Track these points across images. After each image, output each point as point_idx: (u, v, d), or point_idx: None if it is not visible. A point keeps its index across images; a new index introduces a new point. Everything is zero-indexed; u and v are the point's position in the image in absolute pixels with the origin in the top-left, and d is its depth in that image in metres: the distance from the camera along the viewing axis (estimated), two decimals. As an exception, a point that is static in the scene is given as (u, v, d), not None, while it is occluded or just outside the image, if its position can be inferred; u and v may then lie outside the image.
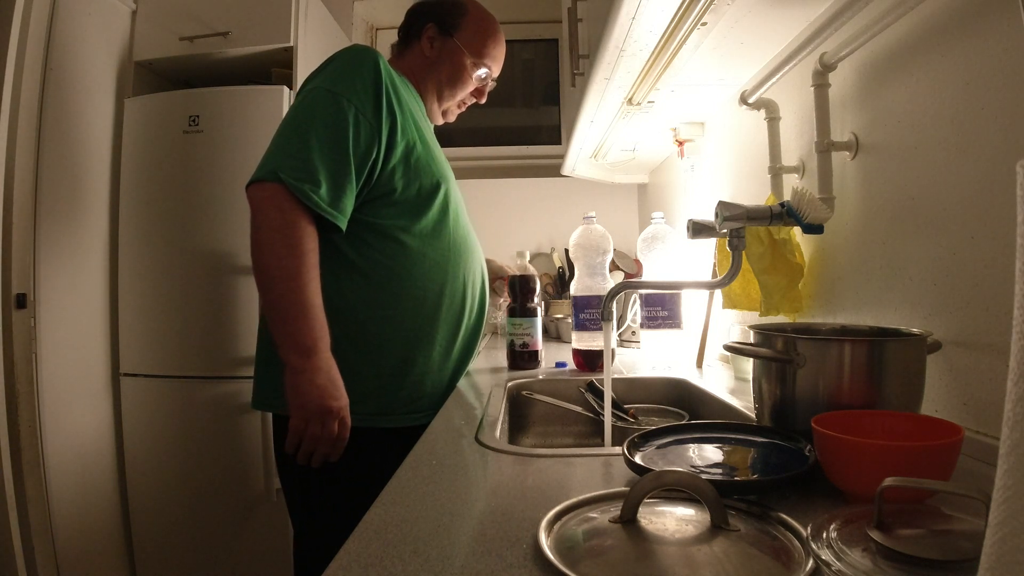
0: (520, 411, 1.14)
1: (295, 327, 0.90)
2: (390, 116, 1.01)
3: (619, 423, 1.01)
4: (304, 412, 0.90)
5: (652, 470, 0.54)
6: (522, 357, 1.29)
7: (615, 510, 0.47)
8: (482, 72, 1.20)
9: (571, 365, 1.31)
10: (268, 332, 1.05)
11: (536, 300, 1.30)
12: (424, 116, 1.15)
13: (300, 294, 0.89)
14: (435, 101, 1.19)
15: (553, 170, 2.30)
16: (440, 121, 1.24)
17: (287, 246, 0.90)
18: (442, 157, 1.15)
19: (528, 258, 1.36)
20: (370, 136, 0.98)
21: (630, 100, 1.30)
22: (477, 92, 1.23)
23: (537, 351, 1.31)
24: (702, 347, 1.31)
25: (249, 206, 0.93)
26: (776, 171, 1.06)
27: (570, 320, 1.34)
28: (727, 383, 1.09)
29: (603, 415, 0.90)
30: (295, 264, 0.89)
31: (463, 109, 1.27)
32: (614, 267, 2.08)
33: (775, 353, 0.64)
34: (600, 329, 1.19)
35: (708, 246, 1.43)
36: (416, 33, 1.18)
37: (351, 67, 1.01)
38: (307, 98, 0.99)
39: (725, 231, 0.84)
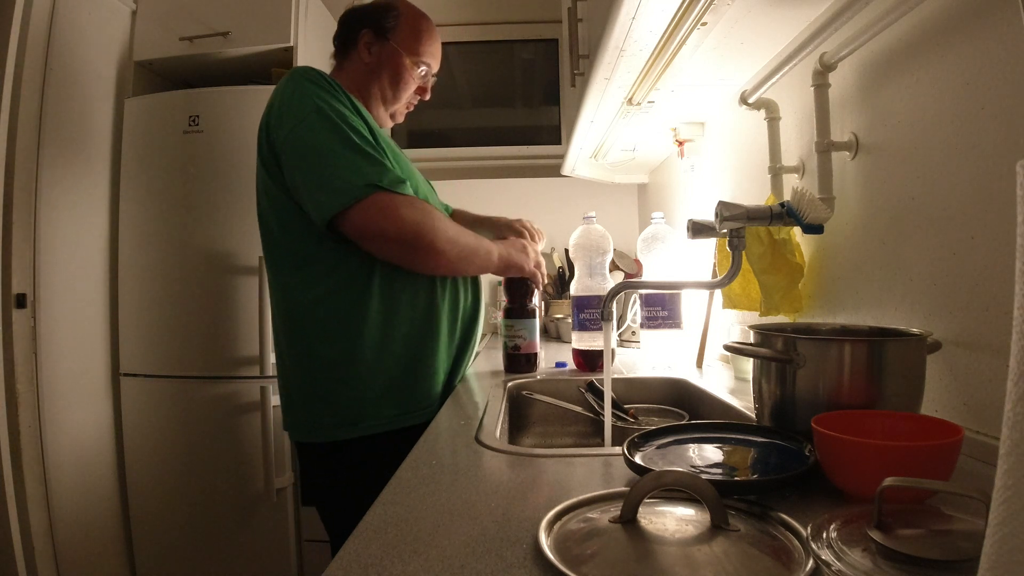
0: (520, 411, 1.14)
1: (482, 258, 1.11)
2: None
3: (619, 423, 1.01)
4: (521, 261, 1.18)
5: (652, 470, 0.54)
6: (518, 361, 1.25)
7: (615, 510, 0.47)
8: (422, 70, 1.21)
9: (571, 365, 1.31)
10: (288, 358, 1.08)
11: (535, 301, 1.28)
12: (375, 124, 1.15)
13: (466, 243, 1.07)
14: (380, 106, 1.20)
15: (553, 170, 2.30)
16: (389, 124, 1.25)
17: (438, 224, 1.01)
18: (406, 159, 1.16)
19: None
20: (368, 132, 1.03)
21: (630, 100, 1.30)
22: (420, 90, 1.24)
23: (535, 354, 1.27)
24: (702, 347, 1.31)
25: (366, 219, 0.96)
26: (776, 171, 1.06)
27: (570, 320, 1.34)
28: (727, 383, 1.09)
29: (603, 415, 0.90)
30: (448, 228, 1.03)
31: (411, 109, 1.28)
32: (614, 267, 2.08)
33: (775, 353, 0.64)
34: (600, 329, 1.19)
35: (708, 246, 1.43)
36: (352, 41, 1.18)
37: (316, 83, 1.04)
38: (316, 118, 1.00)
39: (725, 231, 0.84)
